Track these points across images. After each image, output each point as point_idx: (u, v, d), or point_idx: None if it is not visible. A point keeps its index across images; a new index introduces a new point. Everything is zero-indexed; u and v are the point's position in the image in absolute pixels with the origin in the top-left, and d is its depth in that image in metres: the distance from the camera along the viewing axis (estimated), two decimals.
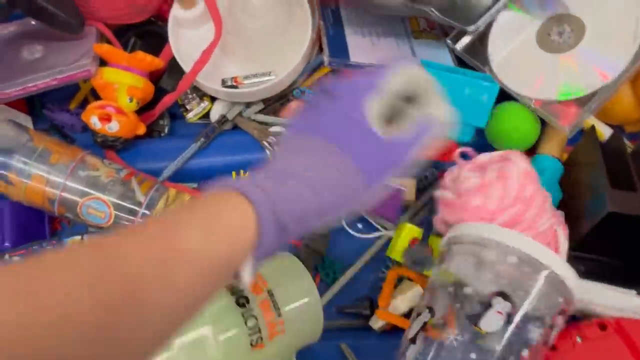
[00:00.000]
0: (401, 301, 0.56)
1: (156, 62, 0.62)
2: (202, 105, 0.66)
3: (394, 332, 0.57)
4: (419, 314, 0.49)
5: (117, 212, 0.58)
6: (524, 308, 0.45)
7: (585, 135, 0.59)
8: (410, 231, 0.58)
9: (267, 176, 0.35)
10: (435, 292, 0.49)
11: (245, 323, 0.46)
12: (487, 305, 0.45)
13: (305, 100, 0.45)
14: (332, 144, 0.37)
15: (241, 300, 0.47)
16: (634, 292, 0.50)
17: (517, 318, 0.45)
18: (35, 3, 0.57)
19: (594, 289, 0.50)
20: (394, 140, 0.38)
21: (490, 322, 0.44)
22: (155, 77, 0.66)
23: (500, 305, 0.44)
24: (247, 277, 0.32)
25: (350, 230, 0.63)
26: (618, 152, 0.56)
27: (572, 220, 0.56)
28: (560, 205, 0.60)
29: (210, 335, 0.45)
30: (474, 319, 0.45)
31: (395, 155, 0.39)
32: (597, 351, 0.47)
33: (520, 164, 0.52)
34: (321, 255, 0.60)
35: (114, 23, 0.67)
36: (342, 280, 0.60)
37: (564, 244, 0.53)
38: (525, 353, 0.44)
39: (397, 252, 0.58)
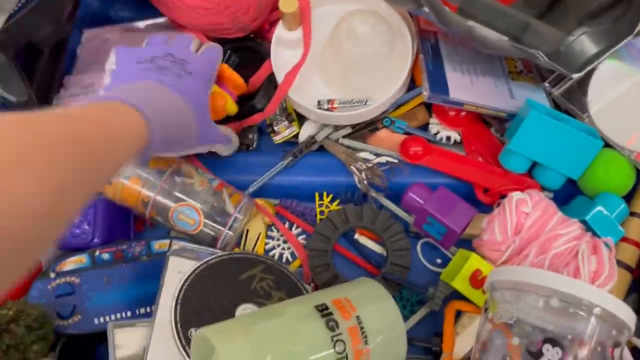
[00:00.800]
0: (463, 338, 0.55)
1: (240, 85, 0.63)
2: (290, 129, 0.67)
3: None
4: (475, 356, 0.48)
5: (205, 220, 0.59)
6: (575, 351, 0.43)
7: None
8: (474, 262, 0.55)
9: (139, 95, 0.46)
10: (483, 345, 0.48)
11: (334, 347, 0.46)
12: (538, 355, 0.44)
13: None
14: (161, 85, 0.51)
15: (331, 324, 0.47)
16: None
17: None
18: None
19: None
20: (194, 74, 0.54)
21: None
22: (249, 94, 0.68)
23: (550, 352, 0.43)
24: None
25: (426, 263, 0.63)
26: None
27: None
28: None
29: (301, 354, 0.45)
30: None
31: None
32: None
33: (515, 195, 0.55)
34: (399, 287, 0.60)
35: (213, 35, 0.69)
36: (420, 313, 0.59)
37: (606, 264, 0.52)
38: None
39: (458, 282, 0.55)
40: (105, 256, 0.58)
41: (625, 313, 0.45)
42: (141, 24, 0.72)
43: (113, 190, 0.59)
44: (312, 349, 0.46)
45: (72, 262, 0.57)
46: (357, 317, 0.49)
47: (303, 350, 0.45)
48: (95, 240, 0.60)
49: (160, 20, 0.71)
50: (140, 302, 0.56)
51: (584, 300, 0.44)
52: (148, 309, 0.56)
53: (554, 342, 0.44)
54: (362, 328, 0.48)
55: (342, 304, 0.49)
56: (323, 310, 0.48)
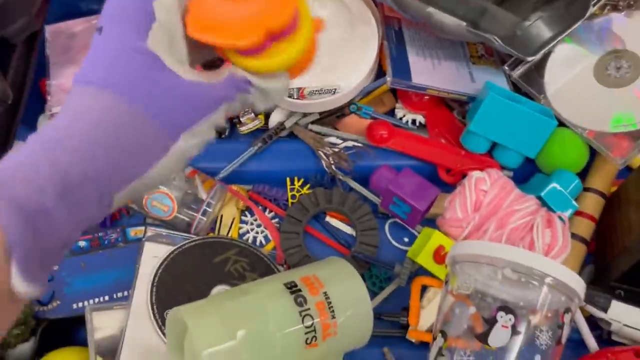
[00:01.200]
0: (429, 311, 0.58)
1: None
2: (256, 122, 0.68)
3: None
4: (434, 339, 0.51)
5: (179, 207, 0.61)
6: (527, 317, 0.46)
7: (636, 170, 0.61)
8: (437, 238, 0.58)
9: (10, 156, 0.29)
10: (445, 316, 0.51)
11: (302, 321, 0.48)
12: (492, 322, 0.47)
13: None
14: (108, 89, 0.31)
15: (299, 300, 0.49)
16: None
17: (522, 328, 0.46)
18: None
19: (627, 310, 0.52)
20: (201, 85, 0.32)
21: (498, 337, 0.46)
22: None
23: (503, 319, 0.46)
24: (22, 287, 0.27)
25: (394, 242, 0.66)
26: None
27: (613, 254, 0.58)
28: (599, 240, 0.62)
29: (270, 329, 0.47)
30: (482, 337, 0.47)
31: (203, 101, 0.33)
32: None
33: (474, 174, 0.58)
34: (369, 265, 0.63)
35: None
36: (388, 289, 0.62)
37: (560, 237, 0.55)
38: (538, 358, 0.46)
39: (422, 258, 0.58)
40: (82, 244, 0.60)
41: (574, 281, 0.48)
42: None
43: None
44: (281, 323, 0.48)
45: None
46: (325, 293, 0.51)
47: (273, 324, 0.48)
48: None
49: None
50: (118, 287, 0.58)
51: (535, 270, 0.47)
52: (125, 293, 0.58)
53: (507, 309, 0.47)
54: (329, 303, 0.50)
55: (310, 281, 0.52)
56: (292, 287, 0.50)
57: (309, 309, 0.49)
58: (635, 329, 0.54)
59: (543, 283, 0.47)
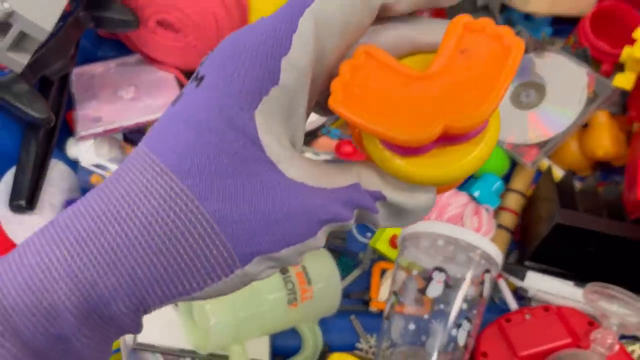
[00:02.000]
0: (386, 287, 0.73)
1: None
2: None
3: None
4: (389, 298, 0.66)
5: None
6: (456, 275, 0.61)
7: (543, 174, 0.77)
8: (392, 229, 0.73)
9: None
10: (397, 276, 0.66)
11: (285, 286, 0.63)
12: (429, 279, 0.62)
13: None
14: (171, 174, 0.22)
15: (283, 269, 0.64)
16: (571, 282, 0.67)
17: (452, 282, 0.61)
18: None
19: (543, 279, 0.67)
20: (307, 192, 0.23)
21: (433, 289, 0.61)
22: None
23: (438, 276, 0.61)
24: None
25: (359, 237, 0.81)
26: (568, 188, 0.74)
27: (529, 240, 0.74)
28: (522, 230, 0.78)
29: (261, 291, 0.62)
30: (423, 290, 0.62)
31: (303, 220, 0.23)
32: (540, 324, 0.64)
33: None
34: (338, 253, 0.77)
35: (186, 69, 0.87)
36: (354, 273, 0.77)
37: (485, 222, 0.71)
38: (464, 306, 0.61)
39: (380, 244, 0.74)
40: None
41: (490, 248, 0.63)
42: (121, 60, 0.89)
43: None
44: (269, 286, 0.62)
45: None
46: (303, 266, 0.66)
47: (262, 287, 0.62)
48: None
49: (135, 57, 0.89)
50: None
51: (460, 240, 0.62)
52: None
53: (440, 269, 0.62)
54: (306, 273, 0.65)
55: None
56: None
57: (290, 276, 0.64)
58: (545, 292, 0.70)
59: (467, 250, 0.62)
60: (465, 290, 0.61)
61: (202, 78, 0.23)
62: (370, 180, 0.24)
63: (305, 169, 0.23)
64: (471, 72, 0.22)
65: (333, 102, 0.22)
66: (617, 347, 0.60)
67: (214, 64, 0.23)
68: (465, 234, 0.62)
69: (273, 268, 0.24)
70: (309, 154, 0.83)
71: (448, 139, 0.22)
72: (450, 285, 0.61)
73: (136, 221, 0.22)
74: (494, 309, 0.71)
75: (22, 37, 0.64)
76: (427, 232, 0.64)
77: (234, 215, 0.22)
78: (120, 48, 0.91)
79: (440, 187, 0.26)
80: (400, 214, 0.25)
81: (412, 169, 0.23)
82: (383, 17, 0.24)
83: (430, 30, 0.24)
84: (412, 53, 0.24)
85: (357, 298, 0.75)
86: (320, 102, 0.26)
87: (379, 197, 0.24)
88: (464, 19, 0.22)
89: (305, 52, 0.22)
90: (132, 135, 0.86)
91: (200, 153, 0.22)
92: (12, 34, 0.62)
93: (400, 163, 0.23)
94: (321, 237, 0.24)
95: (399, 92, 0.22)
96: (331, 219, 0.23)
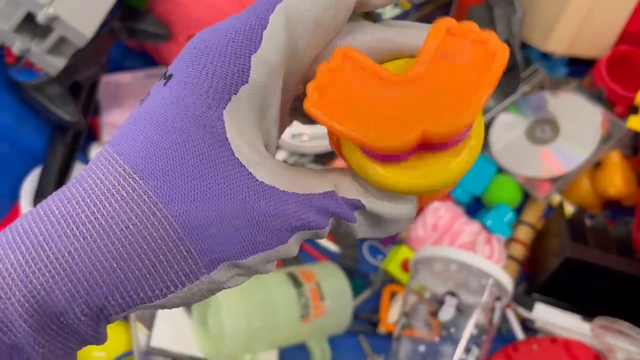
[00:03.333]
0: (395, 310, 0.74)
1: None
2: None
3: None
4: (399, 319, 0.67)
5: None
6: (467, 301, 0.63)
7: (555, 209, 0.79)
8: (404, 252, 0.75)
9: None
10: (408, 299, 0.67)
11: (299, 300, 0.64)
12: (442, 302, 0.63)
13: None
14: (134, 175, 0.21)
15: (297, 283, 0.65)
16: (579, 316, 0.68)
17: (463, 308, 0.62)
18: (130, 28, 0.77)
19: (551, 311, 0.68)
20: (279, 196, 0.22)
21: (445, 313, 0.62)
22: None
23: (450, 300, 0.62)
24: None
25: (371, 259, 0.82)
26: (579, 223, 0.76)
27: (538, 273, 0.76)
28: (530, 262, 0.80)
29: (275, 303, 0.63)
30: (434, 313, 0.63)
31: (274, 226, 0.22)
32: (547, 356, 0.65)
33: (434, 204, 0.75)
34: (350, 273, 0.78)
35: None
36: (364, 294, 0.78)
37: (496, 252, 0.72)
38: (474, 332, 0.62)
39: (392, 267, 0.75)
40: None
41: (502, 276, 0.65)
42: (148, 72, 0.92)
43: None
44: (284, 299, 0.63)
45: None
46: (317, 282, 0.67)
47: (277, 299, 0.63)
48: None
49: (164, 70, 0.91)
50: None
51: (474, 267, 0.64)
52: None
53: (452, 293, 0.63)
54: (320, 290, 0.66)
55: (306, 273, 0.68)
56: (292, 276, 0.66)
57: (304, 290, 0.65)
58: (553, 324, 0.71)
59: (480, 276, 0.64)
60: (476, 315, 0.62)
61: (170, 76, 0.22)
62: (348, 188, 0.23)
63: (277, 172, 0.22)
64: (453, 77, 0.21)
65: (308, 105, 0.21)
66: None
67: (182, 62, 0.22)
68: (479, 261, 0.63)
69: (242, 276, 0.23)
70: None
71: (428, 146, 0.21)
72: (462, 310, 0.62)
73: (96, 224, 0.20)
74: (500, 339, 0.72)
75: (61, 41, 0.67)
76: (441, 257, 0.65)
77: (200, 219, 0.21)
78: (147, 60, 0.93)
79: (423, 198, 0.25)
80: (379, 224, 0.24)
81: (391, 177, 0.22)
82: (363, 16, 0.23)
83: (412, 34, 0.23)
84: (393, 57, 0.23)
85: (366, 319, 0.76)
86: (299, 108, 0.25)
87: (357, 205, 0.23)
88: (447, 22, 0.21)
89: (276, 48, 0.21)
90: None
91: (165, 153, 0.21)
92: (53, 38, 0.65)
93: (378, 170, 0.22)
94: (293, 244, 0.22)
95: (377, 96, 0.21)
96: (303, 226, 0.22)
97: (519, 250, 0.79)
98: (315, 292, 0.66)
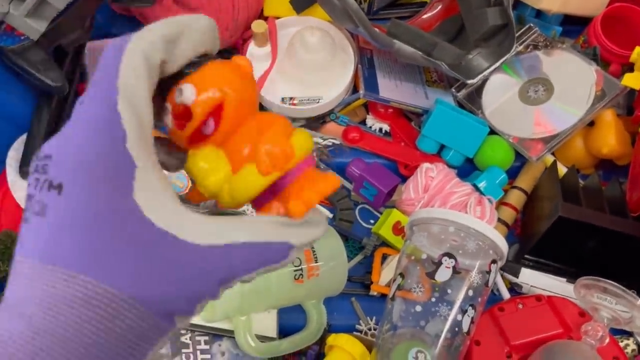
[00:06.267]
0: (387, 272, 0.74)
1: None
2: None
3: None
4: (394, 280, 0.66)
5: (192, 185, 0.76)
6: (464, 262, 0.62)
7: (547, 169, 0.79)
8: (395, 215, 0.74)
9: None
10: (403, 261, 0.66)
11: (292, 262, 0.64)
12: (438, 264, 0.63)
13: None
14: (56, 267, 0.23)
15: None
16: (564, 279, 0.68)
17: (460, 269, 0.62)
18: None
19: (537, 275, 0.69)
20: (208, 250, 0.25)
21: (442, 274, 0.62)
22: None
23: (447, 262, 0.62)
24: None
25: (363, 223, 0.81)
26: (572, 183, 0.75)
27: (530, 235, 0.75)
28: (522, 225, 0.80)
29: None
30: (431, 275, 0.62)
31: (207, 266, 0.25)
32: (532, 314, 0.65)
33: (425, 165, 0.74)
34: (346, 238, 0.78)
35: None
36: (357, 258, 0.77)
37: (488, 213, 0.72)
38: (470, 293, 0.62)
39: (383, 230, 0.74)
40: None
41: (500, 240, 0.64)
42: None
43: None
44: None
45: None
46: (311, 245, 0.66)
47: None
48: None
49: None
50: None
51: (472, 229, 0.63)
52: None
53: (449, 255, 0.63)
54: (314, 252, 0.66)
55: None
56: None
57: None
58: (538, 288, 0.71)
59: (477, 238, 0.63)
60: (473, 276, 0.62)
61: (60, 186, 0.24)
62: (274, 233, 0.26)
63: (196, 229, 0.25)
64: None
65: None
66: (607, 339, 0.61)
67: (67, 170, 0.24)
68: (477, 223, 0.63)
69: (194, 315, 0.26)
70: (316, 139, 0.83)
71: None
72: (459, 272, 0.62)
73: (61, 331, 0.22)
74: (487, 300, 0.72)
75: (41, 4, 0.65)
76: (440, 219, 0.64)
77: (146, 289, 0.23)
78: (135, 25, 0.91)
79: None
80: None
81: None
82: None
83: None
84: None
85: (358, 281, 0.76)
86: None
87: (289, 246, 0.26)
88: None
89: (136, 130, 0.25)
90: None
91: (97, 248, 0.23)
92: (32, 0, 0.63)
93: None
94: (223, 291, 0.26)
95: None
96: (230, 277, 0.25)
97: (508, 214, 0.79)
98: (310, 255, 0.65)
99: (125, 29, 0.93)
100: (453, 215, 0.64)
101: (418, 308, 0.62)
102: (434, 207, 0.73)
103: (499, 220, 0.77)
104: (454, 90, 0.84)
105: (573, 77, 0.79)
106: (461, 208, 0.72)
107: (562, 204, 0.68)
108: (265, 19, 0.89)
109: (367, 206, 0.82)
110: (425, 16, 0.93)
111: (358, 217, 0.82)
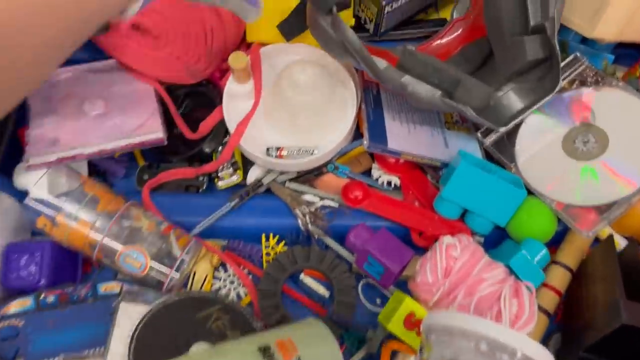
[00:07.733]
0: None
1: None
2: (234, 177, 0.69)
3: None
4: None
5: (152, 264, 0.60)
6: None
7: (601, 244, 0.62)
8: (408, 304, 0.58)
9: None
10: None
11: None
12: None
13: None
14: None
15: (268, 354, 0.49)
16: None
17: None
18: None
19: None
20: None
21: None
22: (199, 138, 0.70)
23: None
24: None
25: (367, 303, 0.66)
26: (634, 262, 0.59)
27: (581, 327, 0.59)
28: (566, 312, 0.64)
29: None
30: None
31: None
32: None
33: (445, 240, 0.59)
34: (347, 326, 0.63)
35: (168, 81, 0.72)
36: (358, 354, 0.62)
37: (527, 308, 0.56)
38: None
39: (393, 325, 0.58)
40: (50, 299, 0.59)
41: (543, 356, 0.48)
42: (91, 66, 0.74)
43: (60, 233, 0.60)
44: None
45: (15, 305, 0.58)
46: (299, 357, 0.51)
47: None
48: (42, 282, 0.60)
49: (111, 62, 0.73)
50: (86, 344, 0.57)
51: (509, 346, 0.47)
52: (94, 351, 0.57)
53: None
54: None
55: (285, 346, 0.51)
56: (266, 351, 0.50)
57: None
58: None
59: (515, 357, 0.47)
60: None
61: None
62: None
63: None
64: None
65: None
66: None
67: None
68: (518, 338, 0.46)
69: None
70: (309, 197, 0.67)
71: None
72: None
73: None
74: None
75: None
76: (466, 329, 0.48)
77: None
78: (94, 50, 0.74)
79: None
80: None
81: None
82: None
83: None
84: None
85: None
86: None
87: None
88: None
89: None
90: (99, 162, 0.71)
91: None
92: None
93: None
94: None
95: None
96: None
97: (549, 299, 0.62)
98: None
99: (84, 53, 0.78)
100: (484, 326, 0.48)
101: None
102: (456, 297, 0.57)
103: (539, 307, 0.61)
104: (479, 135, 0.68)
105: (633, 124, 0.63)
106: (493, 301, 0.56)
107: (625, 306, 0.52)
108: (249, 45, 0.73)
109: (372, 281, 0.66)
110: (444, 40, 0.76)
111: (361, 295, 0.66)
